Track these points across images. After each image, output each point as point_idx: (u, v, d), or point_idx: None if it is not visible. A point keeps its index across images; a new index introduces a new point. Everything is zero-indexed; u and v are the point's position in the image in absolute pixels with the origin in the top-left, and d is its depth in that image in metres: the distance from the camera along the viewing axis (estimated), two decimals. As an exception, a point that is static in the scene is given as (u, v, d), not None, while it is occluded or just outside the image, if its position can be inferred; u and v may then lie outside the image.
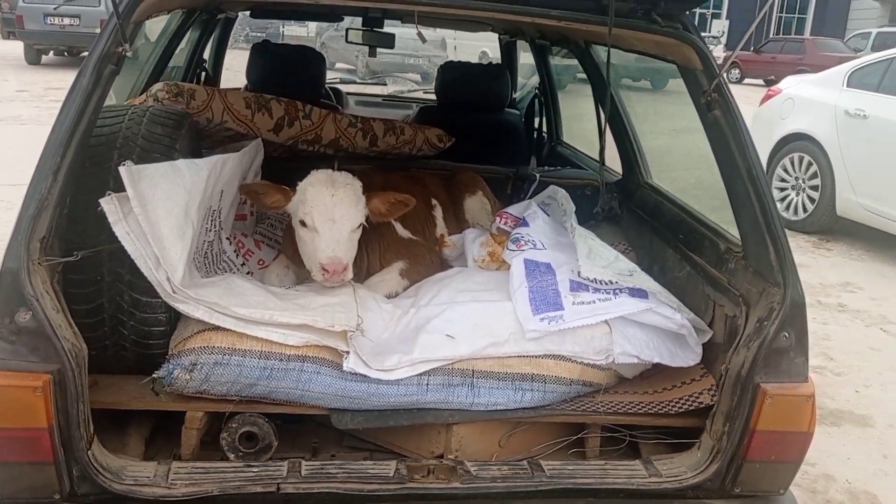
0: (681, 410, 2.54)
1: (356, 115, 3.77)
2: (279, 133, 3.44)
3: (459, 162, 4.09)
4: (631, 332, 2.59)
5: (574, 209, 3.11)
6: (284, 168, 3.83)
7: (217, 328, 2.40)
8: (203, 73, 5.63)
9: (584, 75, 4.65)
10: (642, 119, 4.40)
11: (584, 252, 2.79)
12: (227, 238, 3.08)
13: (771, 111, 9.35)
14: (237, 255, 3.11)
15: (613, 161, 4.10)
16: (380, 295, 2.75)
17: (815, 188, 8.08)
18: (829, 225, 7.97)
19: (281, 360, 2.41)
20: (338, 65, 19.89)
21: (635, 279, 2.72)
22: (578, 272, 2.77)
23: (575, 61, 4.69)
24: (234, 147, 3.34)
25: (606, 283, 2.72)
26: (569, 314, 2.58)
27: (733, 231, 2.76)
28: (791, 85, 9.56)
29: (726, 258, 2.71)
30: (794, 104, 8.94)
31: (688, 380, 2.65)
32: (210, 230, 2.81)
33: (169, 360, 2.36)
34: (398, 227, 3.15)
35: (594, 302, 2.64)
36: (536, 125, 5.90)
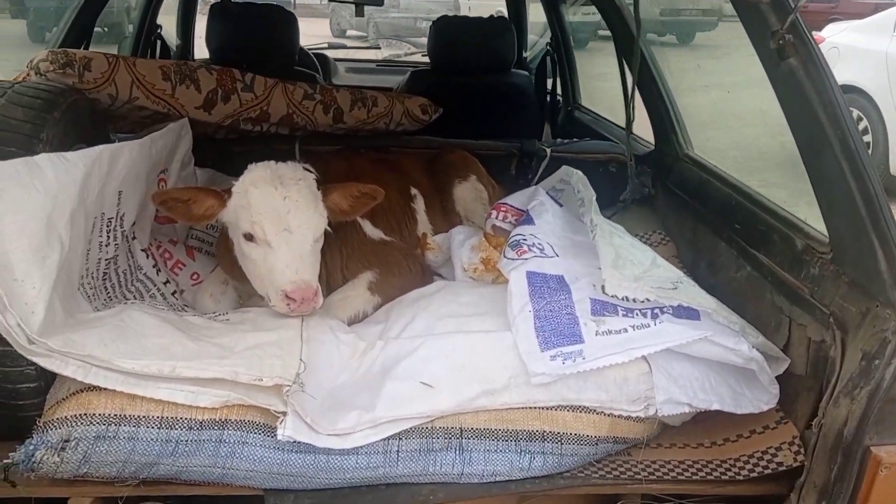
0: (752, 475, 1.90)
1: (314, 84, 3.09)
2: (211, 110, 2.78)
3: (457, 137, 3.42)
4: (679, 371, 1.94)
5: (594, 196, 2.44)
6: (228, 153, 3.21)
7: (98, 388, 1.77)
8: (158, 43, 4.94)
9: (605, 32, 3.94)
10: (678, 78, 3.67)
11: (609, 258, 2.12)
12: (144, 250, 2.44)
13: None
14: (158, 270, 2.48)
15: (643, 129, 3.41)
16: (340, 320, 2.18)
17: (865, 145, 7.30)
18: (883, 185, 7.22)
19: (190, 428, 1.80)
20: (349, 32, 19.07)
21: (681, 293, 2.05)
22: (602, 287, 2.10)
23: (592, 15, 3.96)
24: (157, 129, 2.69)
25: (642, 302, 2.05)
26: (591, 348, 1.93)
27: (815, 223, 2.09)
28: (834, 33, 8.88)
29: (806, 260, 2.04)
30: (839, 53, 8.28)
31: (759, 427, 2.02)
32: (108, 244, 2.17)
33: (32, 436, 1.74)
34: (366, 227, 2.52)
35: (626, 330, 1.99)
36: (549, 88, 5.18)
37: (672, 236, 3.13)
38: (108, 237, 2.17)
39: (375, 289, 2.42)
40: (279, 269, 2.07)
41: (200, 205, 2.16)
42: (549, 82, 5.22)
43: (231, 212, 2.18)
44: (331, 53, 6.73)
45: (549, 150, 3.36)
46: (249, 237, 2.12)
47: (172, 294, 2.47)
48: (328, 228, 2.24)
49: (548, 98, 5.23)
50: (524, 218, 2.43)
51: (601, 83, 5.16)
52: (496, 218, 2.56)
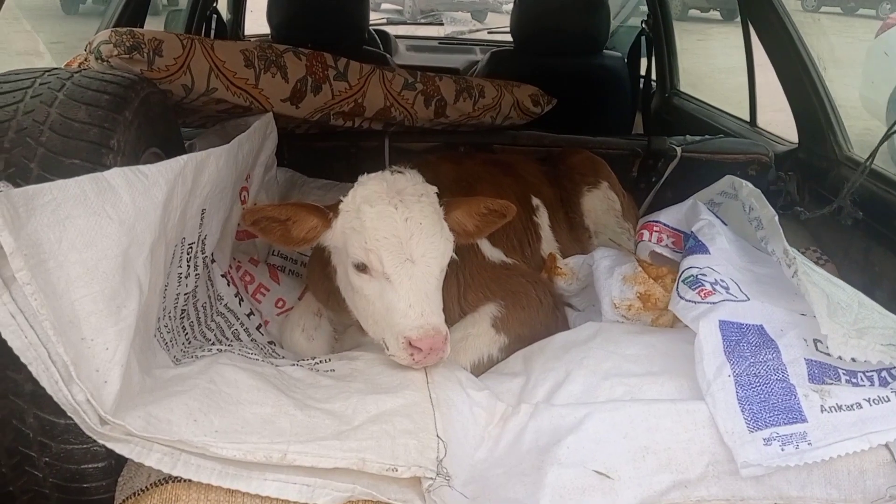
0: None
1: (413, 72, 2.63)
2: (299, 103, 2.35)
3: (536, 128, 2.96)
4: (935, 464, 1.47)
5: (775, 216, 1.96)
6: (308, 149, 2.79)
7: (187, 481, 1.37)
8: (214, 19, 4.49)
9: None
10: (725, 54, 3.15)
11: (823, 304, 1.65)
12: (224, 275, 2.04)
13: (892, 43, 7.85)
14: (241, 300, 2.07)
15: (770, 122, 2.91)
16: (462, 369, 1.88)
17: None
18: None
19: (306, 532, 1.39)
20: (384, 5, 18.47)
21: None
22: (816, 342, 1.64)
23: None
24: (235, 126, 2.27)
25: (864, 363, 1.59)
26: (818, 430, 1.48)
27: None
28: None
29: None
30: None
31: None
32: (188, 275, 1.76)
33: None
34: (485, 247, 2.12)
35: (859, 405, 1.53)
36: (643, 72, 4.65)
37: (828, 255, 2.65)
38: (189, 267, 1.76)
39: (501, 326, 2.02)
40: (401, 310, 1.70)
41: (301, 226, 1.78)
42: (643, 65, 4.69)
43: (338, 235, 1.80)
44: (391, 30, 6.25)
45: (679, 150, 2.87)
46: (362, 268, 1.76)
47: (258, 329, 2.07)
48: (454, 255, 1.81)
49: (640, 83, 4.71)
50: (693, 244, 1.96)
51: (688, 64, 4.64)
52: (649, 240, 2.09)
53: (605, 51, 4.33)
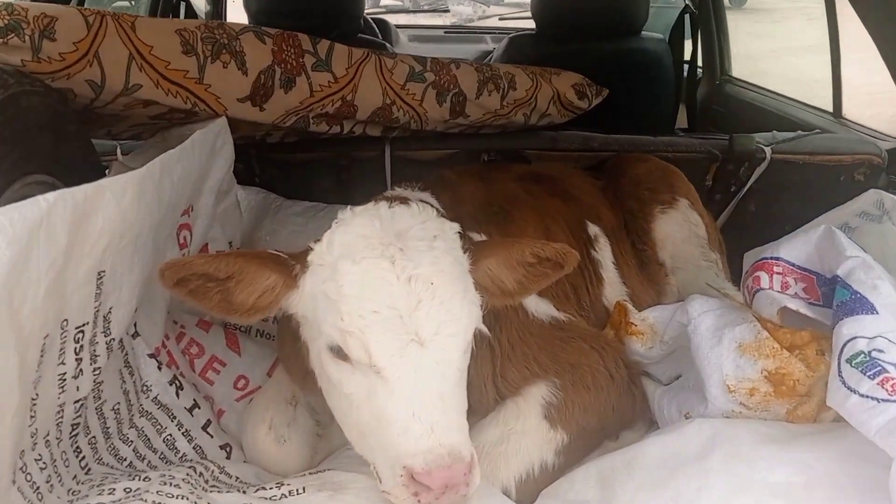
0: None
1: (422, 58, 1.98)
2: (265, 104, 1.70)
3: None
4: None
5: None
6: (285, 163, 2.17)
7: None
8: (183, 6, 3.81)
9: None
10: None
11: None
12: (152, 354, 1.41)
13: None
14: (178, 386, 1.45)
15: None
16: (501, 485, 1.36)
17: None
18: None
19: None
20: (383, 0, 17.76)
21: None
22: None
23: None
24: (183, 137, 1.64)
25: None
26: None
27: None
28: None
29: None
30: None
31: None
32: (77, 372, 1.14)
33: None
34: (528, 299, 1.55)
35: None
36: (688, 57, 3.99)
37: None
38: (79, 361, 1.13)
39: (557, 417, 1.45)
40: (399, 424, 1.14)
41: (251, 286, 1.24)
42: (687, 49, 4.04)
43: (307, 299, 1.27)
44: (391, 19, 5.61)
45: (768, 151, 2.23)
46: (341, 354, 1.19)
47: (204, 428, 1.45)
48: (482, 328, 1.27)
49: (683, 70, 4.06)
50: (845, 297, 1.32)
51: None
52: (774, 287, 1.44)
53: (643, 33, 3.68)
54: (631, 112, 3.12)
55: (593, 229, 1.80)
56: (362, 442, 1.22)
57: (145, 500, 1.10)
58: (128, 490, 1.13)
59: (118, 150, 2.03)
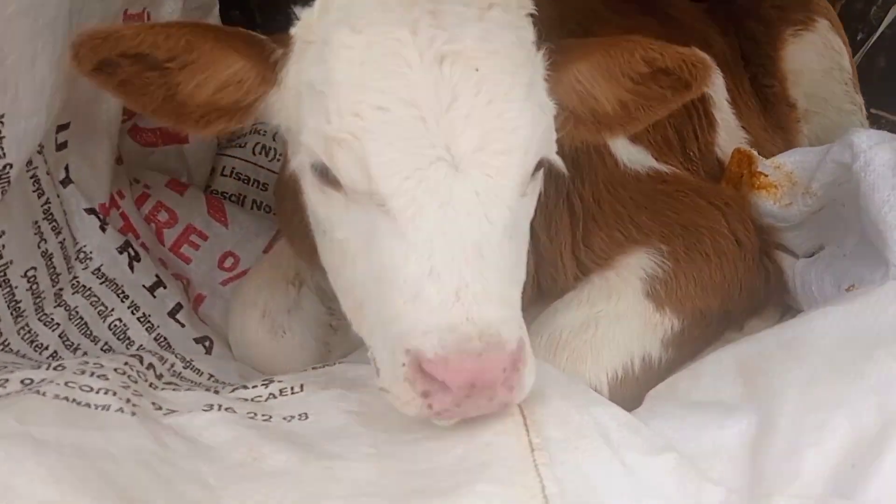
0: None
1: None
2: None
3: None
4: None
5: None
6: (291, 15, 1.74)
7: None
8: None
9: None
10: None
11: None
12: (93, 209, 1.02)
13: None
14: (133, 256, 1.07)
15: None
16: (590, 383, 0.97)
17: None
18: None
19: None
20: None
21: None
22: None
23: None
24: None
25: None
26: None
27: None
28: None
29: None
30: None
31: None
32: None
33: None
34: (618, 144, 1.18)
35: None
36: None
37: None
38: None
39: (665, 296, 1.07)
40: (409, 286, 0.76)
41: (205, 74, 0.83)
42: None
43: (290, 101, 0.86)
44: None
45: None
46: (327, 177, 0.82)
47: (172, 315, 1.06)
48: (555, 160, 0.88)
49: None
50: None
51: None
52: None
53: None
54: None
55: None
56: (359, 315, 0.85)
57: (44, 394, 0.70)
58: (26, 382, 0.74)
59: None
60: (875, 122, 1.95)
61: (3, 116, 0.82)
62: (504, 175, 0.80)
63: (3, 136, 0.83)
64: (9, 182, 0.84)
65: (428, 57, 0.78)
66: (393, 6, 0.79)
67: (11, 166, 0.84)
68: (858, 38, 1.89)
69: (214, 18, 1.39)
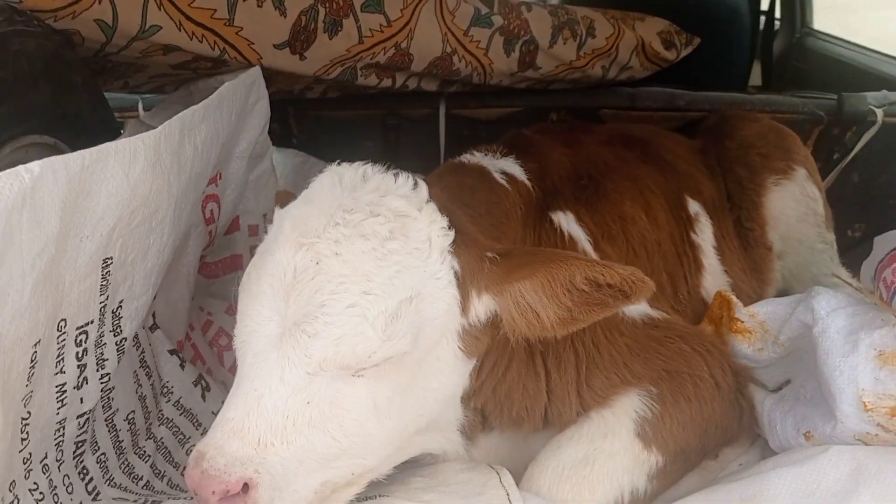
0: None
1: (488, -1, 1.73)
2: (305, 51, 1.47)
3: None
4: None
5: None
6: (333, 127, 1.97)
7: None
8: None
9: None
10: None
11: None
12: (174, 350, 1.22)
13: None
14: (204, 387, 1.27)
15: None
16: None
17: None
18: None
19: None
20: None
21: None
22: None
23: None
24: (210, 90, 1.42)
25: None
26: None
27: None
28: None
29: None
30: None
31: None
32: (81, 381, 0.95)
33: None
34: None
35: None
36: (766, 6, 3.63)
37: None
38: (81, 368, 0.94)
39: (652, 434, 1.25)
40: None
41: None
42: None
43: None
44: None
45: (880, 113, 1.95)
46: None
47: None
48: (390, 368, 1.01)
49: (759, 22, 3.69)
50: None
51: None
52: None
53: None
54: (703, 66, 2.83)
55: (693, 206, 1.54)
56: None
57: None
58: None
59: (140, 106, 1.83)
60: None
61: (122, 302, 1.02)
62: (308, 352, 0.94)
63: (122, 317, 1.03)
64: (124, 352, 1.05)
65: (306, 260, 0.96)
66: (315, 222, 0.98)
67: (126, 339, 1.05)
68: (834, 157, 2.09)
69: (269, 157, 1.61)
